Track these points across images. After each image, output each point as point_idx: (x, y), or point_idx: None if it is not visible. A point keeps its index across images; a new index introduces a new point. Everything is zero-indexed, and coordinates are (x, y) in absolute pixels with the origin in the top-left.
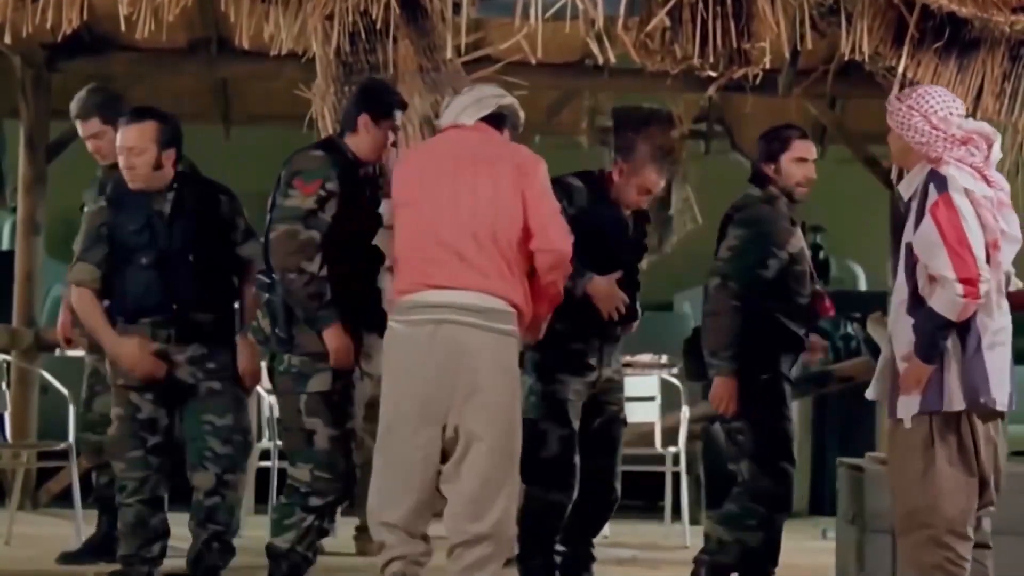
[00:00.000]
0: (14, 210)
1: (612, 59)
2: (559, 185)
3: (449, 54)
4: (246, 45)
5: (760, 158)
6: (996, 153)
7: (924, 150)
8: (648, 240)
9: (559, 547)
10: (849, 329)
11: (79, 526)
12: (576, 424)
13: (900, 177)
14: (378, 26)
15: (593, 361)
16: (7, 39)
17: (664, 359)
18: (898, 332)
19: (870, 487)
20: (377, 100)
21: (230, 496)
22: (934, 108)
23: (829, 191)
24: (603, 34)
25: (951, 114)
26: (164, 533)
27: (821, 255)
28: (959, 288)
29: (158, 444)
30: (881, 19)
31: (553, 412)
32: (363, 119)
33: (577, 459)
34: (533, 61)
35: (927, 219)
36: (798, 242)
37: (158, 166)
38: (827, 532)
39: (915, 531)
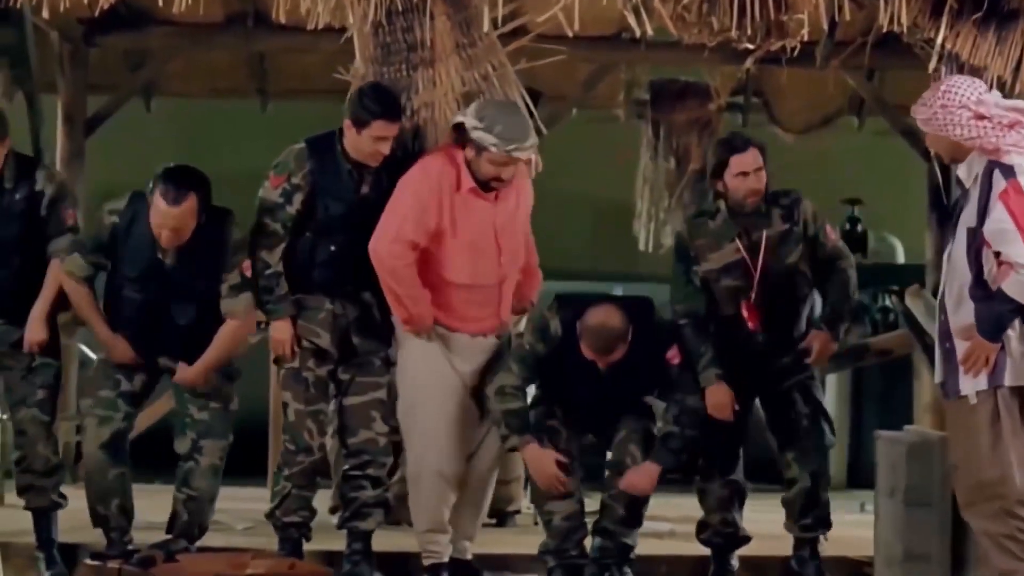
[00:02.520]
0: None
1: (649, 32)
2: None
3: (486, 27)
4: (283, 19)
5: (709, 174)
6: None
7: (978, 143)
8: None
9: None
10: (887, 302)
11: None
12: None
13: None
14: (415, 1)
15: None
16: (45, 14)
17: None
18: (960, 314)
19: (909, 460)
20: (358, 107)
21: (204, 461)
22: (968, 96)
23: (867, 163)
24: (640, 6)
25: (982, 95)
26: (122, 492)
27: (859, 228)
28: None
29: (131, 392)
30: None
31: None
32: (346, 123)
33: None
34: (570, 34)
35: (998, 207)
36: (724, 257)
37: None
38: (865, 505)
39: (984, 503)
